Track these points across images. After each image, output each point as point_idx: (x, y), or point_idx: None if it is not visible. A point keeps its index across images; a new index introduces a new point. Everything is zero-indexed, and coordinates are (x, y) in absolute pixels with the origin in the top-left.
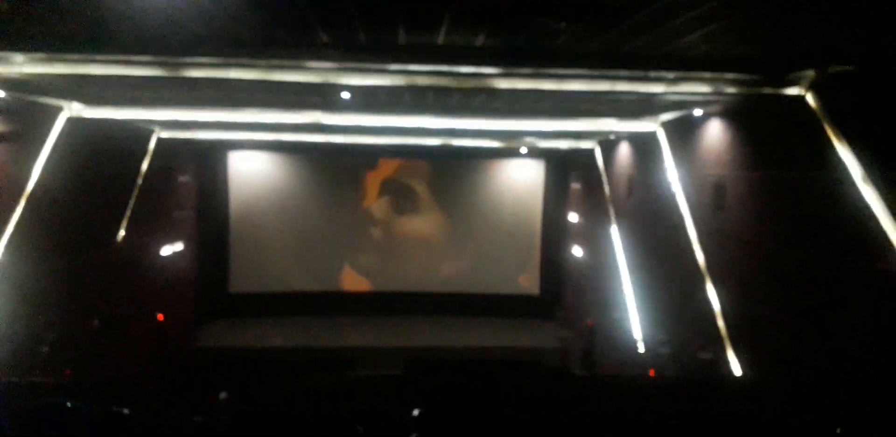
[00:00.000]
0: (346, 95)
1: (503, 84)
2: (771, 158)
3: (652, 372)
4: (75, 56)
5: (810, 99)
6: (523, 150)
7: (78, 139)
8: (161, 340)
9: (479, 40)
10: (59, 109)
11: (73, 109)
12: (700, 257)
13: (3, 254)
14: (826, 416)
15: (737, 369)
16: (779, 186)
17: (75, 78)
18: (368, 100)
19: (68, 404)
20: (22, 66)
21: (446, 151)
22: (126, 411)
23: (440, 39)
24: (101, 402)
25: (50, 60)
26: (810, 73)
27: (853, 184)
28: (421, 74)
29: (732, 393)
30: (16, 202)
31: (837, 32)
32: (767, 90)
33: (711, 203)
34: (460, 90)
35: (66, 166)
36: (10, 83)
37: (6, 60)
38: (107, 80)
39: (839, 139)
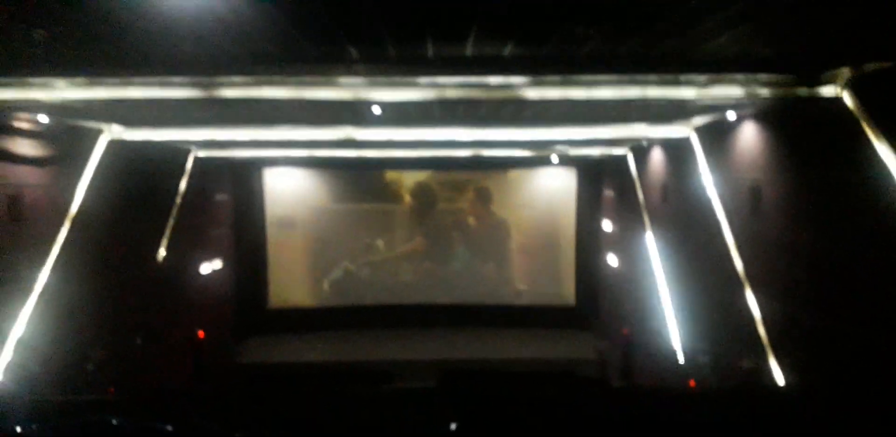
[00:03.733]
0: (376, 110)
1: (532, 93)
2: (808, 160)
3: (692, 382)
4: (114, 80)
5: (847, 98)
6: (554, 158)
7: (118, 161)
8: (201, 356)
9: (507, 50)
10: (99, 132)
11: (114, 132)
12: (738, 263)
13: (51, 274)
14: (875, 425)
15: (780, 377)
16: (816, 188)
17: (115, 101)
18: (399, 114)
19: (113, 421)
20: (63, 91)
21: (477, 161)
22: (169, 427)
23: (468, 51)
24: (144, 419)
25: (90, 85)
26: (846, 71)
27: (894, 184)
28: (450, 86)
29: (776, 402)
30: (61, 224)
31: (872, 28)
32: (802, 91)
33: (748, 208)
34: (490, 101)
35: (108, 188)
36: (52, 108)
37: (48, 86)
38: (145, 102)
39: (878, 139)
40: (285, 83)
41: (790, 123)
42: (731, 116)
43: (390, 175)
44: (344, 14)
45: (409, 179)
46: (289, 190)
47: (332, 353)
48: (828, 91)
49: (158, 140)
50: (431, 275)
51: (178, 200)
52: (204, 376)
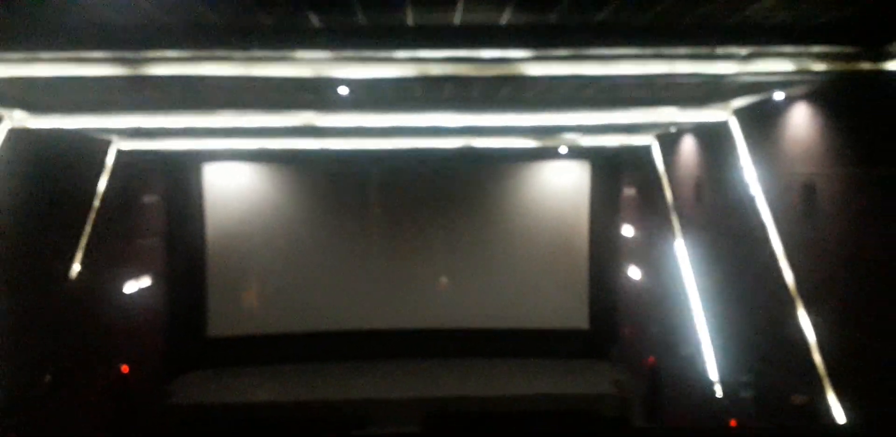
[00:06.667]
0: (343, 90)
1: (535, 70)
2: (873, 150)
3: (733, 422)
4: (16, 55)
5: None
6: (563, 149)
7: (22, 154)
8: (126, 397)
9: (505, 17)
10: None
11: (16, 119)
12: (789, 275)
13: None
14: None
15: (840, 415)
16: (885, 184)
17: (17, 81)
18: (371, 96)
19: None
20: None
21: (468, 154)
22: None
23: (457, 18)
24: None
25: None
26: None
27: None
28: (434, 61)
29: None
30: None
31: None
32: (866, 65)
33: (801, 209)
34: (483, 80)
35: (8, 188)
36: None
37: None
38: (55, 82)
39: None
40: (231, 59)
41: (852, 104)
42: (778, 96)
43: (361, 171)
44: None
45: (385, 175)
46: (235, 190)
47: (290, 391)
48: None
49: (72, 129)
50: (413, 294)
51: (97, 203)
52: (130, 420)
